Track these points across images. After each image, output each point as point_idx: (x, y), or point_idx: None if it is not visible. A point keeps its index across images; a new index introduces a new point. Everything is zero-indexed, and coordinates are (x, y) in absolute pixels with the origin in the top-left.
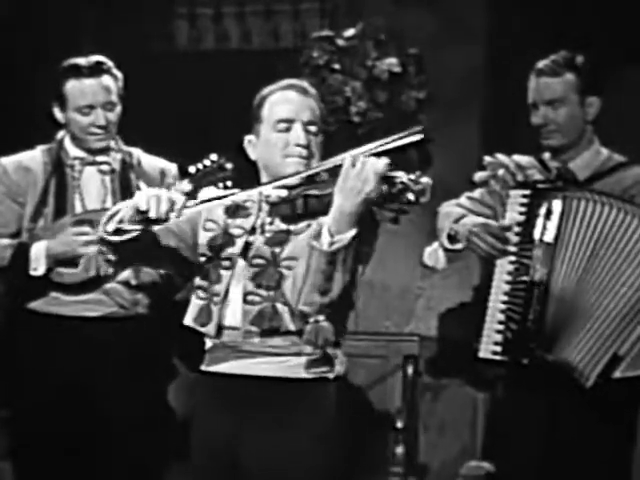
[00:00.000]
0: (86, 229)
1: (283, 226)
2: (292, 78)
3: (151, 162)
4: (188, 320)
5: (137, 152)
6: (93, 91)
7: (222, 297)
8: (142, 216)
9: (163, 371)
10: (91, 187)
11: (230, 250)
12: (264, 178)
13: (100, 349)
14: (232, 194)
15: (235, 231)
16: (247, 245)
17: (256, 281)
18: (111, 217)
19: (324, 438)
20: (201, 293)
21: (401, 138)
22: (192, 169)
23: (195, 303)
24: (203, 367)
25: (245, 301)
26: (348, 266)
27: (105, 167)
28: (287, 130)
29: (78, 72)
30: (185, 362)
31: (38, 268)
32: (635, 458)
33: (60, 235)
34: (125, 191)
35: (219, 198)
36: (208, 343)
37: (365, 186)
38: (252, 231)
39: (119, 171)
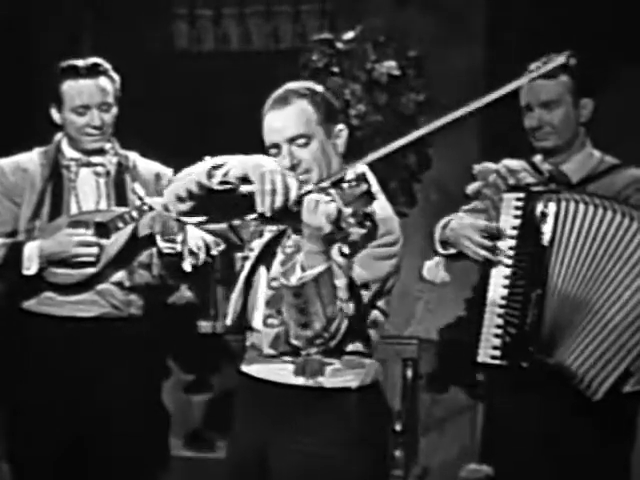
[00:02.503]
0: (80, 230)
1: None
2: (287, 83)
3: (147, 166)
4: None
5: (133, 155)
6: (89, 91)
7: (238, 291)
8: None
9: (156, 371)
10: (87, 189)
11: (257, 241)
12: None
13: (93, 349)
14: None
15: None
16: (272, 253)
17: (271, 305)
18: (216, 168)
19: (348, 445)
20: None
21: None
22: None
23: None
24: (241, 366)
25: (265, 324)
26: (327, 300)
27: (100, 169)
28: (278, 154)
29: (75, 73)
30: (178, 362)
31: (31, 267)
32: (634, 460)
33: (54, 235)
34: (119, 194)
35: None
36: (247, 342)
37: (321, 232)
38: (281, 234)
39: (114, 174)
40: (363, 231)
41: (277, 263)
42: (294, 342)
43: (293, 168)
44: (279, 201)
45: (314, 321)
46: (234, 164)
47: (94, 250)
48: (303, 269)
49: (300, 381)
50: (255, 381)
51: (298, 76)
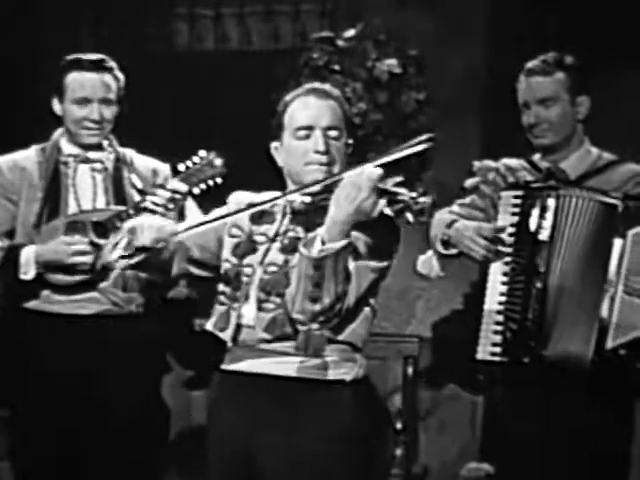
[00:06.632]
0: (76, 238)
1: (302, 235)
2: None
3: (144, 162)
4: (209, 325)
5: (130, 152)
6: (92, 85)
7: (241, 303)
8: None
9: (157, 368)
10: (85, 185)
11: (252, 257)
12: (289, 185)
13: (94, 347)
14: (258, 204)
15: (259, 238)
16: (267, 252)
17: (267, 288)
18: (115, 246)
19: (340, 439)
20: (223, 299)
21: (409, 147)
22: (181, 167)
23: (217, 309)
24: (223, 366)
25: (259, 309)
26: (341, 277)
27: (98, 165)
28: (307, 137)
29: (80, 65)
30: (178, 359)
31: (28, 272)
32: (634, 454)
33: (51, 241)
34: (118, 189)
35: (242, 210)
36: (228, 342)
37: (358, 194)
38: (274, 238)
39: (112, 170)
40: (428, 200)
41: (275, 249)
42: (297, 316)
43: (326, 153)
44: (147, 236)
45: (324, 297)
46: (122, 235)
47: (90, 259)
48: (323, 242)
49: (300, 358)
50: (244, 377)
51: (298, 75)
